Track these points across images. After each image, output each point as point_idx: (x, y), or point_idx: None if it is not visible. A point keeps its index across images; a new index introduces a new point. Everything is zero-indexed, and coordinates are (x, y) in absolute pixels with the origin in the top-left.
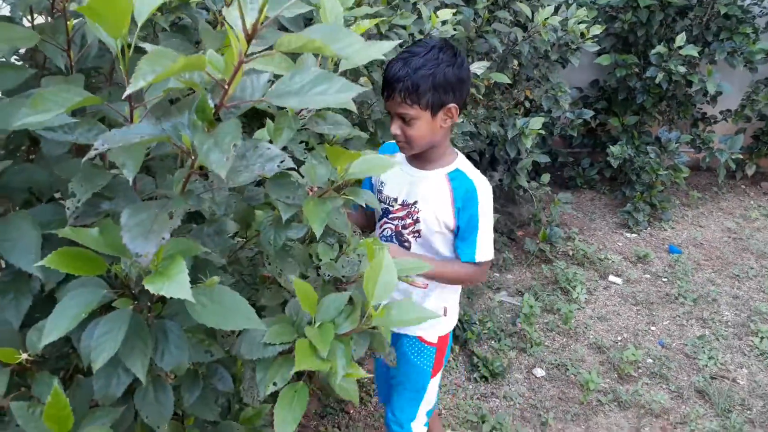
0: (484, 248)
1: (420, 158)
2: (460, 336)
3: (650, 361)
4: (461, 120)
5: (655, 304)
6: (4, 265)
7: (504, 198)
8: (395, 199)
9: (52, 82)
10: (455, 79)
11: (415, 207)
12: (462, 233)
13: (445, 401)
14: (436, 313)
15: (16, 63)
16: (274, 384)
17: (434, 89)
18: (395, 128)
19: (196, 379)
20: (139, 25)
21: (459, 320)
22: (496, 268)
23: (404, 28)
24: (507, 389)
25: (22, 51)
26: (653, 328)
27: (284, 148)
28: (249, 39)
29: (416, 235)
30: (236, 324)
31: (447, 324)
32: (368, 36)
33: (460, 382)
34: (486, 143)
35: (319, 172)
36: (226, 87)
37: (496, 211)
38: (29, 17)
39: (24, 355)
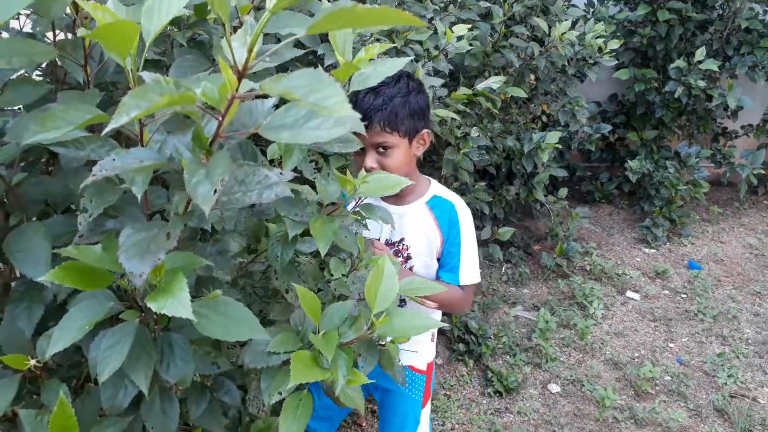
0: (469, 270)
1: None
2: (474, 350)
3: (668, 378)
4: (477, 134)
5: (673, 320)
6: (18, 275)
7: (521, 212)
8: (378, 240)
9: (68, 96)
10: (425, 105)
11: (403, 244)
12: (444, 257)
13: (459, 416)
14: (440, 322)
15: (35, 78)
16: (279, 393)
17: (410, 116)
18: (371, 161)
19: (203, 392)
20: (148, 44)
21: (473, 334)
22: (512, 282)
23: (420, 43)
24: (521, 405)
25: (43, 66)
26: (671, 344)
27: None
28: (240, 77)
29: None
30: (241, 335)
31: (432, 350)
32: (384, 52)
33: (473, 397)
34: (502, 157)
35: (329, 190)
36: (221, 120)
37: (512, 224)
38: (51, 33)
39: (32, 362)
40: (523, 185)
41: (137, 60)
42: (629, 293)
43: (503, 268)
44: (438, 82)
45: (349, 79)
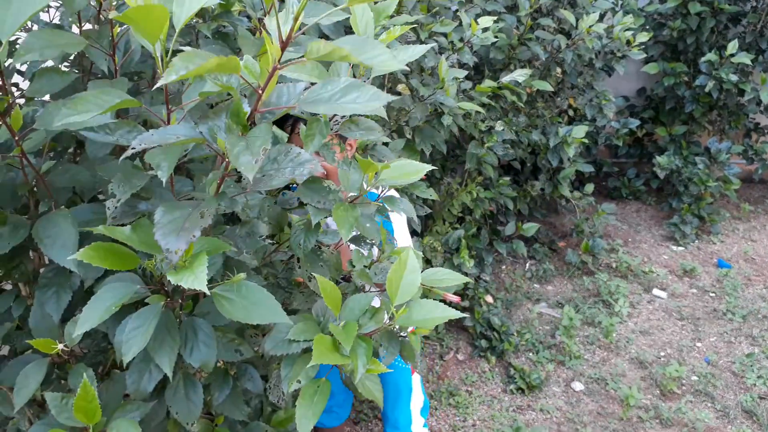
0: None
1: None
2: (497, 347)
3: (695, 378)
4: (502, 128)
5: (701, 319)
6: (48, 261)
7: (546, 208)
8: None
9: (97, 85)
10: None
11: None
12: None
13: (480, 412)
14: (459, 313)
15: (62, 68)
16: (298, 381)
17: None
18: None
19: (227, 379)
20: (177, 29)
21: (496, 331)
22: (536, 278)
23: (445, 36)
24: (544, 402)
25: (72, 57)
26: (699, 344)
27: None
28: (284, 46)
29: None
30: (262, 318)
31: None
32: (406, 42)
33: (495, 394)
34: (527, 152)
35: (352, 178)
36: (260, 92)
37: (537, 220)
38: (78, 24)
39: (60, 346)
40: (549, 180)
41: (167, 45)
42: (656, 291)
43: (527, 265)
44: (461, 74)
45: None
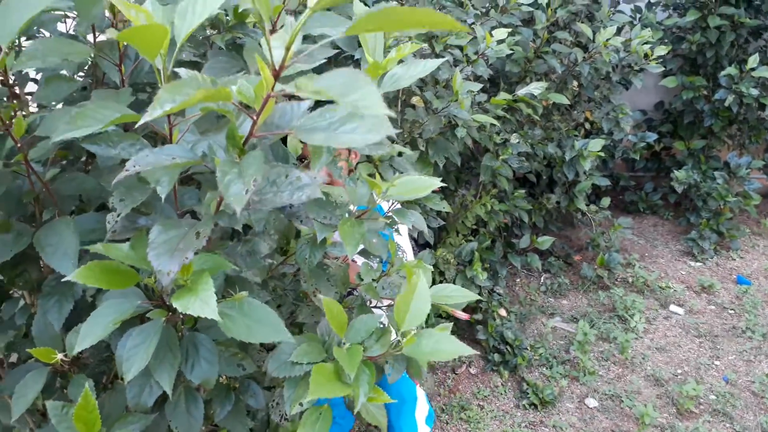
0: None
1: None
2: (510, 361)
3: (713, 397)
4: (517, 141)
5: (719, 337)
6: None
7: (561, 221)
8: None
9: (101, 95)
10: None
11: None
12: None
13: (492, 427)
14: (469, 348)
15: (66, 75)
16: (300, 405)
17: None
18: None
19: (229, 394)
20: (179, 44)
21: (509, 345)
22: (550, 292)
23: (461, 48)
24: (557, 418)
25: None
26: (717, 362)
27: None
28: (276, 75)
29: None
30: (265, 336)
31: None
32: (421, 55)
33: (508, 409)
34: (543, 165)
35: (359, 193)
36: (255, 118)
37: (552, 234)
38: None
39: (60, 356)
40: (564, 194)
41: (167, 60)
42: (673, 307)
43: (542, 278)
44: (476, 86)
45: (381, 80)
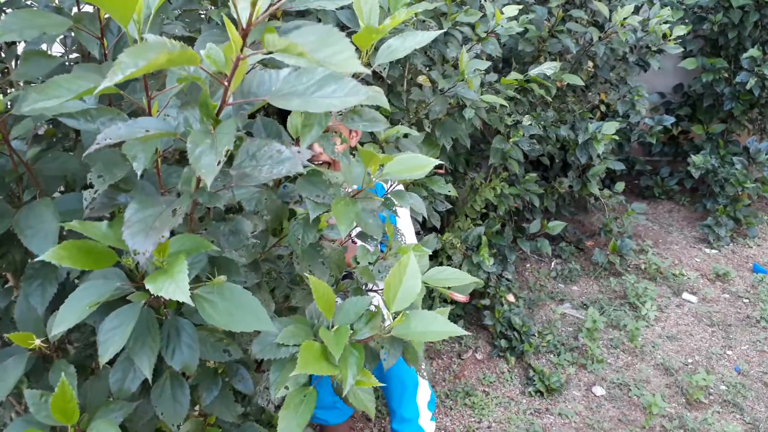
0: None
1: None
2: (517, 347)
3: (724, 387)
4: (529, 123)
5: (733, 326)
6: None
7: (574, 205)
8: None
9: (82, 69)
10: None
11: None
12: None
13: (496, 414)
14: (461, 329)
15: (45, 50)
16: (286, 387)
17: None
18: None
19: (216, 379)
20: (153, 10)
21: (516, 331)
22: (561, 278)
23: (472, 26)
24: (563, 406)
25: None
26: (729, 352)
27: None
28: (244, 34)
29: None
30: (246, 324)
31: None
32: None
33: (513, 396)
34: (557, 148)
35: (354, 172)
36: (226, 84)
37: (565, 218)
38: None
39: (37, 341)
40: (578, 178)
41: (142, 27)
42: (686, 295)
43: (552, 264)
44: (484, 65)
45: (374, 51)
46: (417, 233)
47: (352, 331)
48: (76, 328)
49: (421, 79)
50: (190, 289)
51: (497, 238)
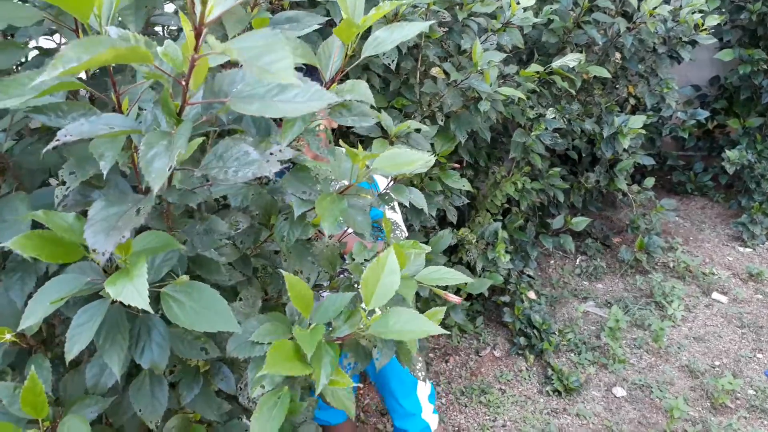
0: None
1: None
2: (536, 345)
3: (751, 392)
4: (553, 116)
5: (764, 328)
6: None
7: (602, 201)
8: None
9: None
10: None
11: None
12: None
13: (512, 413)
14: (440, 329)
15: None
16: (262, 387)
17: None
18: None
19: (197, 377)
20: (114, 5)
21: (536, 328)
22: (585, 275)
23: (494, 17)
24: (581, 406)
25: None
26: (759, 355)
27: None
28: (198, 33)
29: None
30: (211, 325)
31: None
32: (439, 23)
33: (530, 394)
34: (584, 141)
35: (343, 167)
36: (183, 84)
37: (592, 214)
38: None
39: (8, 336)
40: (605, 173)
41: (105, 21)
42: (715, 295)
43: (577, 260)
44: (498, 56)
45: (358, 42)
46: (433, 228)
47: (330, 329)
48: (61, 322)
49: (434, 71)
50: (158, 287)
51: (519, 233)
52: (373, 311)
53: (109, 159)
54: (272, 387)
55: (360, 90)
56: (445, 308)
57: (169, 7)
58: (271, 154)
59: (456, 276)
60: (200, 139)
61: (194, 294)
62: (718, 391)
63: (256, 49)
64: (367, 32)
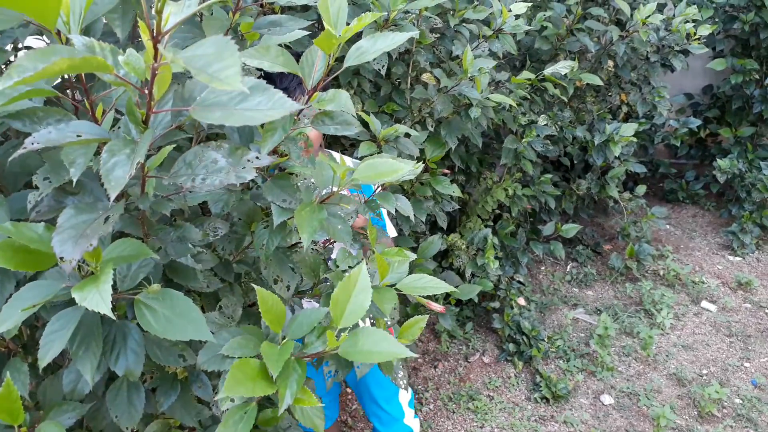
0: (391, 226)
1: None
2: (524, 352)
3: (738, 401)
4: (545, 122)
5: (752, 337)
6: None
7: (594, 208)
8: None
9: None
10: None
11: None
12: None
13: (500, 419)
14: (410, 352)
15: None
16: (232, 400)
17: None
18: None
19: (175, 384)
20: (84, 10)
21: (525, 335)
22: (575, 282)
23: (488, 24)
24: (569, 414)
25: None
26: (747, 364)
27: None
28: (155, 42)
29: None
30: (183, 333)
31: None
32: (431, 29)
33: (518, 401)
34: (577, 149)
35: (325, 175)
36: (145, 92)
37: (583, 221)
38: None
39: None
40: (596, 180)
41: (73, 28)
42: (704, 303)
43: (568, 267)
44: (489, 63)
45: (345, 49)
46: (423, 233)
47: (302, 345)
48: (43, 326)
49: (425, 76)
50: (133, 294)
51: (510, 240)
52: (344, 329)
53: (80, 166)
54: (241, 401)
55: (341, 100)
56: (426, 317)
57: None
58: (248, 161)
59: (439, 285)
60: (170, 147)
61: (167, 301)
62: (705, 400)
63: (205, 58)
64: (358, 36)
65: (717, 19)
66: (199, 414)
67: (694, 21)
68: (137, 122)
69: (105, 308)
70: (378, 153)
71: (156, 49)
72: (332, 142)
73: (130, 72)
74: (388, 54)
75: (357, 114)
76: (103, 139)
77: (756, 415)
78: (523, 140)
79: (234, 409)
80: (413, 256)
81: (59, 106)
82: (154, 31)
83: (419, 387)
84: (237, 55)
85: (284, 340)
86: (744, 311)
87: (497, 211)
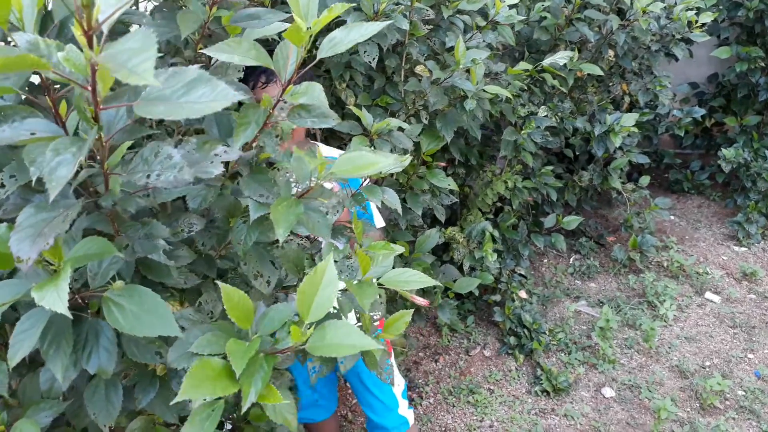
0: (379, 216)
1: None
2: (525, 345)
3: (741, 393)
4: (545, 114)
5: (756, 328)
6: None
7: (597, 199)
8: None
9: None
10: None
11: None
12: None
13: (500, 413)
14: (379, 344)
15: None
16: (204, 399)
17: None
18: None
19: (153, 381)
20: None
21: (526, 328)
22: (578, 274)
23: (484, 15)
24: (569, 407)
25: None
26: (750, 356)
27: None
28: (88, 36)
29: None
30: (152, 329)
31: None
32: (423, 21)
33: (519, 394)
34: (580, 140)
35: (304, 169)
36: (88, 88)
37: (586, 213)
38: None
39: None
40: (599, 171)
41: (27, 27)
42: (708, 294)
43: (571, 259)
44: (482, 54)
45: (315, 44)
46: (421, 227)
47: (273, 340)
48: None
49: (419, 69)
50: (101, 290)
51: (511, 232)
52: (312, 324)
53: (40, 164)
54: (212, 398)
55: (314, 93)
56: (411, 312)
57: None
58: (216, 155)
59: (422, 279)
60: (128, 143)
61: (135, 298)
62: (708, 392)
63: (126, 53)
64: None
65: (721, 7)
66: (182, 410)
67: (696, 9)
68: (87, 119)
69: (62, 308)
70: (370, 147)
71: (90, 44)
72: (329, 137)
73: (71, 69)
74: (379, 46)
75: (349, 108)
76: (57, 136)
77: (759, 407)
78: (523, 132)
79: (201, 407)
80: (400, 250)
81: (36, 105)
82: (85, 25)
83: (419, 381)
84: (155, 47)
85: (255, 336)
86: (749, 302)
87: (498, 204)
